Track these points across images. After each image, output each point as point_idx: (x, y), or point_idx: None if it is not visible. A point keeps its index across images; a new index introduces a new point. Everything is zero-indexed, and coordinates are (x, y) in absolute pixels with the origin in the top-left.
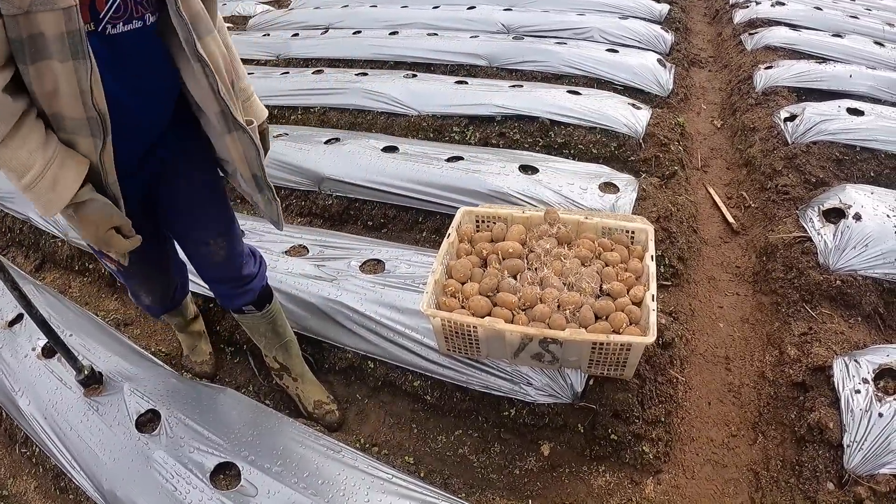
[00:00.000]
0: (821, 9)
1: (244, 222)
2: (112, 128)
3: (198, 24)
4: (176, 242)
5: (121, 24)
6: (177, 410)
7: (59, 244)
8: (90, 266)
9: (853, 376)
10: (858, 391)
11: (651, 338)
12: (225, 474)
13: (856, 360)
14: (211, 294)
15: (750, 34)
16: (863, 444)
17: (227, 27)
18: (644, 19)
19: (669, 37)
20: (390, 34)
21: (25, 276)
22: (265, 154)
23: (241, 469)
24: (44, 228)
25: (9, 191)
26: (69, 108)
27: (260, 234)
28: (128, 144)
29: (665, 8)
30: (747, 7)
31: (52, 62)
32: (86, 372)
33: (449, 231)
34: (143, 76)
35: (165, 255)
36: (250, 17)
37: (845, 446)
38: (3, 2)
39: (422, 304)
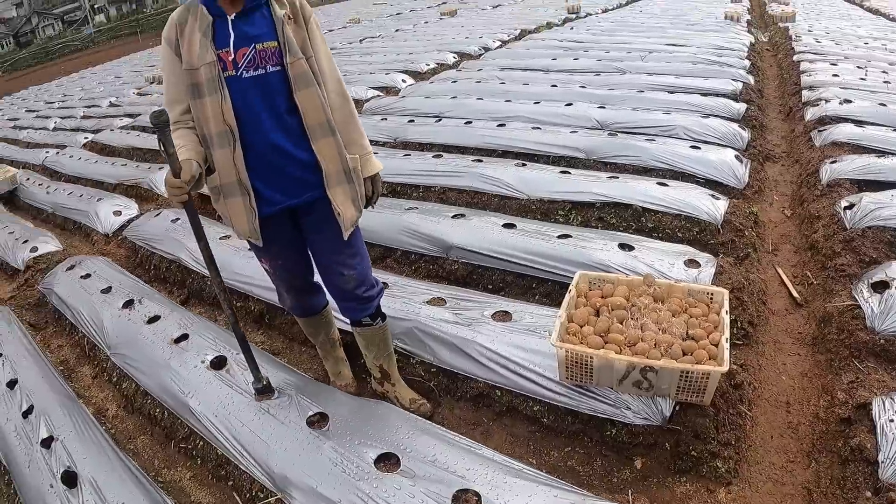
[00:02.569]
0: (885, 105)
1: (386, 277)
2: (239, 136)
3: (298, 79)
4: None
5: (251, 70)
6: (341, 414)
7: (207, 283)
8: (237, 304)
9: (888, 409)
10: (892, 420)
11: (725, 368)
12: (386, 462)
13: (891, 398)
14: (349, 328)
15: (819, 131)
16: (895, 459)
17: None
18: (723, 117)
19: (746, 134)
20: (498, 126)
21: (177, 306)
22: (373, 200)
23: (399, 458)
24: (193, 268)
25: (157, 234)
26: (212, 126)
27: (402, 287)
28: (255, 149)
29: (743, 107)
30: (817, 105)
31: (204, 97)
32: (263, 382)
33: (570, 287)
34: (259, 102)
35: (305, 264)
36: (364, 102)
37: (880, 462)
38: (185, 62)
39: (551, 339)
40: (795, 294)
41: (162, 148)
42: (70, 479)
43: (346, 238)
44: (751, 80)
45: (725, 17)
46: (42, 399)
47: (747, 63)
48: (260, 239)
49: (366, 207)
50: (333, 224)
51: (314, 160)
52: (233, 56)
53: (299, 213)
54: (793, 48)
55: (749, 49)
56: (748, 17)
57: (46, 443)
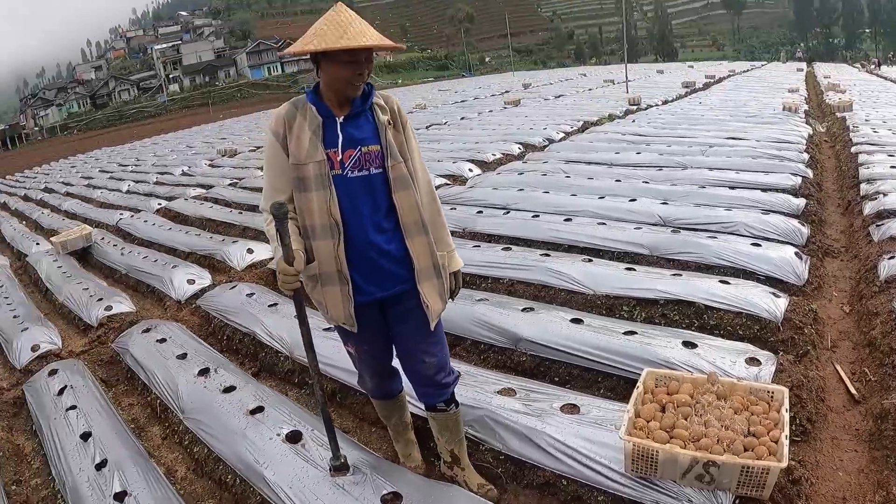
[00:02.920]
0: None
1: (457, 365)
2: (343, 230)
3: (397, 181)
4: (396, 351)
5: (356, 171)
6: (414, 494)
7: (281, 358)
8: (309, 381)
9: None
10: None
11: (784, 464)
12: None
13: None
14: (424, 414)
15: (877, 225)
16: None
17: None
18: (783, 213)
19: (805, 230)
20: (565, 220)
21: (250, 378)
22: (456, 293)
23: None
24: (266, 342)
25: (232, 307)
26: (317, 219)
27: (473, 376)
28: (354, 243)
29: (802, 202)
30: (875, 199)
31: (311, 192)
32: (342, 459)
33: (638, 384)
34: (363, 200)
35: (388, 350)
36: None
37: None
38: (292, 157)
39: (619, 432)
40: (853, 391)
41: (278, 237)
42: None
43: (431, 328)
44: (809, 173)
45: (783, 108)
46: (115, 453)
47: (806, 156)
48: (355, 325)
49: (449, 300)
50: (419, 315)
51: (407, 256)
52: (340, 157)
53: (387, 303)
54: (850, 139)
55: (807, 141)
56: (806, 107)
57: (119, 497)
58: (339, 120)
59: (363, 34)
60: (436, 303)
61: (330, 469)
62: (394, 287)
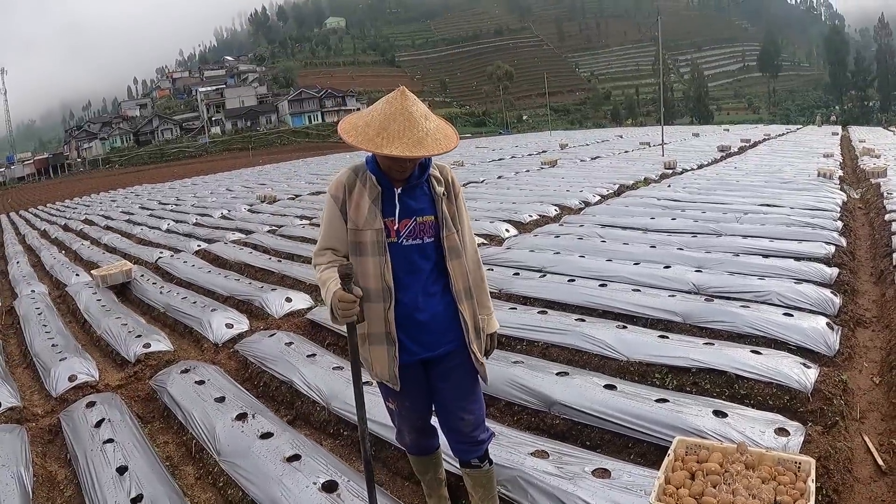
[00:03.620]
0: None
1: (493, 426)
2: (394, 294)
3: (451, 251)
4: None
5: (410, 240)
6: None
7: (317, 409)
8: (344, 433)
9: None
10: None
11: None
12: None
13: None
14: (457, 472)
15: None
16: None
17: None
18: (816, 283)
19: (838, 300)
20: (600, 285)
21: (287, 426)
22: (491, 352)
23: None
24: (303, 391)
25: (270, 354)
26: (371, 282)
27: (507, 437)
28: (404, 306)
29: (835, 272)
30: None
31: (367, 257)
32: None
33: (669, 451)
34: (416, 267)
35: (428, 407)
36: None
37: None
38: (351, 222)
39: (650, 498)
40: (881, 462)
41: (343, 285)
42: None
43: (475, 386)
44: (843, 242)
45: (818, 174)
46: (151, 489)
47: (839, 224)
48: (398, 384)
49: (484, 359)
50: (461, 373)
51: (455, 319)
52: (397, 226)
53: (431, 362)
54: (884, 206)
55: (841, 208)
56: (840, 172)
57: None
58: (398, 192)
59: (412, 142)
60: (480, 362)
61: None
62: (438, 348)
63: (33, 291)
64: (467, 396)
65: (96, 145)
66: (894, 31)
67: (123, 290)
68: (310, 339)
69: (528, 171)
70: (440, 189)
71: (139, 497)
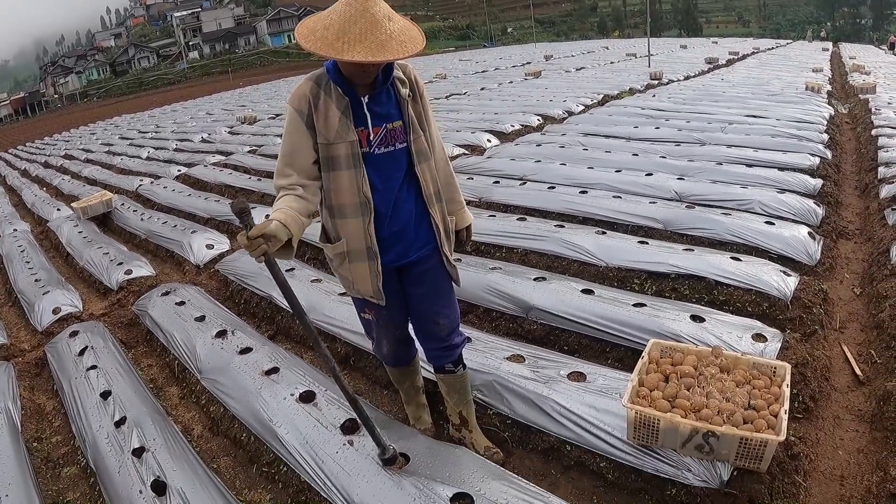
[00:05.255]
0: None
1: (469, 332)
2: (372, 207)
3: (419, 154)
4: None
5: (382, 148)
6: (422, 454)
7: (296, 322)
8: (324, 345)
9: None
10: None
11: (781, 437)
12: (460, 501)
13: None
14: (432, 378)
15: (892, 209)
16: None
17: None
18: (799, 193)
19: (821, 211)
20: (580, 192)
21: (267, 340)
22: (466, 245)
23: (474, 499)
24: (283, 306)
25: (250, 271)
26: (348, 198)
27: (484, 342)
28: (381, 217)
29: (819, 183)
30: (892, 183)
31: (341, 171)
32: (391, 451)
33: (643, 354)
34: (389, 175)
35: (405, 314)
36: (451, 159)
37: None
38: (321, 136)
39: (623, 400)
40: (858, 372)
41: (242, 222)
42: (159, 487)
43: (444, 290)
44: (828, 154)
45: (806, 88)
46: (134, 412)
47: (826, 137)
48: (383, 299)
49: (463, 250)
50: (434, 276)
51: (425, 222)
52: (370, 136)
53: (404, 269)
54: (872, 122)
55: (828, 122)
56: (829, 87)
57: (138, 452)
58: (365, 100)
59: (375, 45)
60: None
61: (381, 463)
62: (414, 253)
63: (15, 230)
64: (440, 300)
65: (73, 80)
66: None
67: (105, 221)
68: None
69: (511, 82)
70: (405, 91)
71: (122, 419)
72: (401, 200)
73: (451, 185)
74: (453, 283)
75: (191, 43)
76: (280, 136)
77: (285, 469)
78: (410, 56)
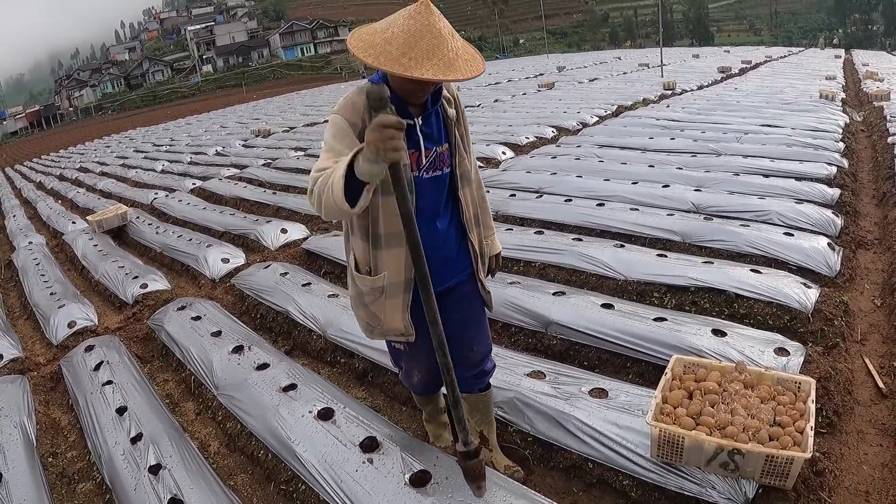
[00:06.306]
0: None
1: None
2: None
3: (462, 178)
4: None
5: (430, 172)
6: (442, 472)
7: (314, 337)
8: (341, 360)
9: None
10: None
11: (808, 454)
12: None
13: None
14: None
15: None
16: None
17: None
18: (817, 203)
19: (839, 221)
20: (597, 205)
21: (284, 356)
22: (493, 273)
23: None
24: (299, 321)
25: (266, 286)
26: (396, 226)
27: (504, 358)
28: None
29: (836, 192)
30: None
31: (392, 197)
32: (474, 444)
33: (666, 370)
34: (434, 200)
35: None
36: None
37: None
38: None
39: (646, 417)
40: (881, 384)
41: (372, 111)
42: None
43: (479, 316)
44: (845, 163)
45: (820, 96)
46: (150, 428)
47: (841, 146)
48: (413, 334)
49: (489, 277)
50: (470, 302)
51: (466, 248)
52: (421, 159)
53: (441, 294)
54: (887, 129)
55: (843, 130)
56: (843, 95)
57: (154, 469)
58: (419, 121)
59: (444, 63)
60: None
61: (464, 456)
62: (451, 279)
63: (31, 243)
64: (476, 326)
65: (87, 93)
66: None
67: (120, 234)
68: (305, 269)
69: (524, 94)
70: (451, 112)
71: (139, 436)
72: (442, 226)
73: (486, 211)
74: (486, 309)
75: (204, 56)
76: (295, 149)
77: (303, 487)
78: (476, 76)
